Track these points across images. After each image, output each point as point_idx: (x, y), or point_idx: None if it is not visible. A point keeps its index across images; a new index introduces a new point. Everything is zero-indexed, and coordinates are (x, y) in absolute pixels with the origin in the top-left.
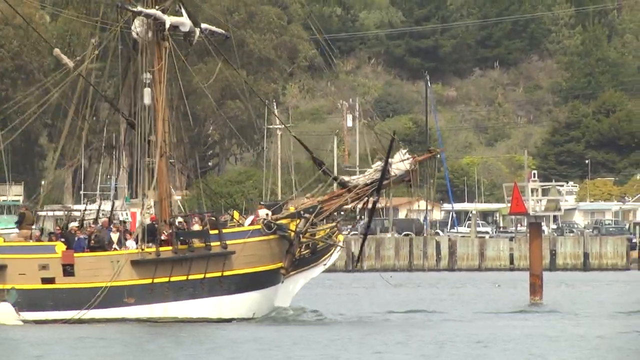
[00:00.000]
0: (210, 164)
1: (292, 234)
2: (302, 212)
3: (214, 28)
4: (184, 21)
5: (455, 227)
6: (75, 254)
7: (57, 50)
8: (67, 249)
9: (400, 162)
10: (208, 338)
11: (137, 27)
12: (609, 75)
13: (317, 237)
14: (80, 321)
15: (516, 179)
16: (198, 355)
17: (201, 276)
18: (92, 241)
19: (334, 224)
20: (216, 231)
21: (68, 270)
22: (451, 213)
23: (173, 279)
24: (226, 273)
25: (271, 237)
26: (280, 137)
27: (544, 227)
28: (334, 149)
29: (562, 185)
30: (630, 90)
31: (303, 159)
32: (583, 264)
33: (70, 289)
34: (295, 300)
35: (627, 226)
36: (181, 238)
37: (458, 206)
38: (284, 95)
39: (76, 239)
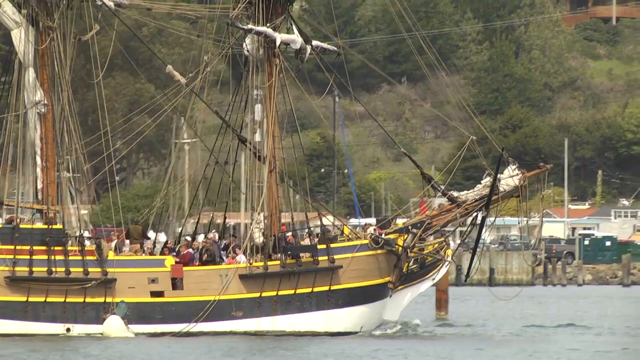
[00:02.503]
0: (117, 178)
1: (400, 248)
2: (409, 227)
3: (325, 45)
4: (295, 38)
5: None
6: (185, 268)
7: (169, 67)
8: (177, 262)
9: (509, 177)
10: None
11: (248, 44)
12: (516, 91)
13: (425, 251)
14: (188, 334)
15: (423, 194)
16: None
17: (309, 290)
18: (205, 255)
19: (442, 238)
20: (324, 246)
21: (177, 283)
22: (358, 228)
23: (281, 292)
24: (334, 287)
25: (379, 251)
26: (188, 151)
27: (450, 242)
28: (242, 163)
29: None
30: (536, 106)
31: (209, 174)
32: (489, 279)
33: (179, 302)
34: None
35: (532, 242)
36: (289, 252)
37: (365, 221)
38: (192, 109)
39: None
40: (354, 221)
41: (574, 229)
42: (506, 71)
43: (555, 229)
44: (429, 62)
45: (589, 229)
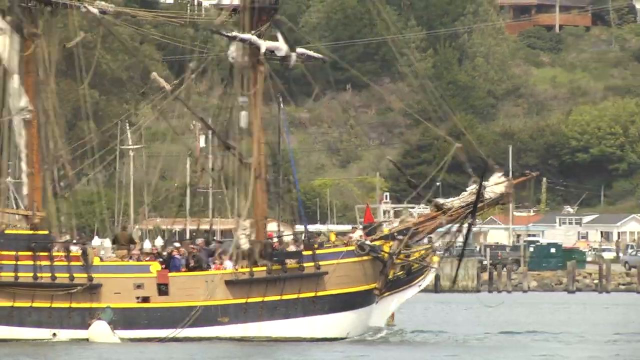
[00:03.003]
0: (61, 184)
1: (386, 255)
2: (395, 234)
3: (311, 53)
4: (280, 46)
5: None
6: (170, 274)
7: (154, 74)
8: (164, 268)
9: (495, 185)
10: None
11: (233, 51)
12: (460, 98)
13: (411, 258)
14: (174, 340)
15: (368, 200)
16: None
17: (295, 296)
18: (192, 261)
19: (428, 245)
20: (310, 252)
21: (163, 289)
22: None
23: (267, 298)
24: (320, 293)
25: (364, 258)
26: (132, 158)
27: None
28: (187, 169)
29: (414, 207)
30: (480, 113)
31: (155, 180)
32: (434, 286)
33: (165, 307)
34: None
35: (477, 248)
36: (275, 258)
37: (310, 228)
38: (136, 115)
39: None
40: (299, 228)
41: (518, 235)
42: (450, 78)
43: (500, 235)
44: (373, 69)
45: (534, 235)
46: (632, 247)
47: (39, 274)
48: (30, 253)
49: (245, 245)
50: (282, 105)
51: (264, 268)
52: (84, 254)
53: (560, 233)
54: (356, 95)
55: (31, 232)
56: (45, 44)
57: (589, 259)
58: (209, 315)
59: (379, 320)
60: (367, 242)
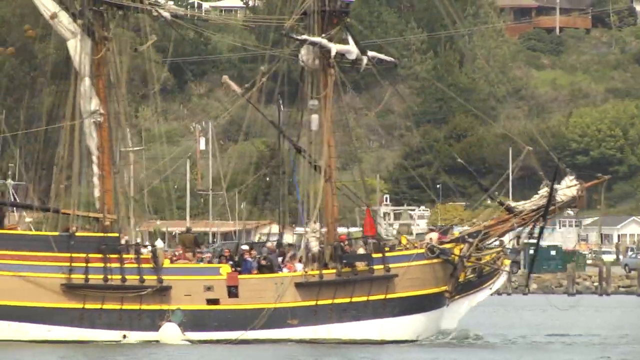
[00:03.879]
0: (62, 186)
1: (456, 258)
2: (466, 237)
3: (382, 56)
4: (351, 49)
5: None
6: (240, 276)
7: (225, 77)
8: (234, 270)
9: (567, 188)
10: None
11: (304, 55)
12: (461, 100)
13: (482, 261)
14: (243, 341)
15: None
16: None
17: (364, 298)
18: (263, 261)
19: (500, 248)
20: (380, 254)
21: (232, 291)
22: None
23: (336, 301)
24: (389, 296)
25: (435, 260)
26: (133, 159)
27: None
28: (187, 171)
29: (414, 210)
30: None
31: (156, 182)
32: None
33: (235, 310)
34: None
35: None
36: (345, 261)
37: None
38: (136, 117)
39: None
40: (299, 229)
41: (518, 237)
42: (450, 80)
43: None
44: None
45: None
46: (632, 249)
47: (109, 276)
48: (100, 255)
49: (315, 247)
50: (282, 107)
51: (334, 270)
52: (154, 256)
53: (560, 235)
54: (356, 97)
55: (102, 234)
56: (116, 48)
57: (589, 261)
58: (278, 318)
59: (450, 322)
60: (437, 245)
